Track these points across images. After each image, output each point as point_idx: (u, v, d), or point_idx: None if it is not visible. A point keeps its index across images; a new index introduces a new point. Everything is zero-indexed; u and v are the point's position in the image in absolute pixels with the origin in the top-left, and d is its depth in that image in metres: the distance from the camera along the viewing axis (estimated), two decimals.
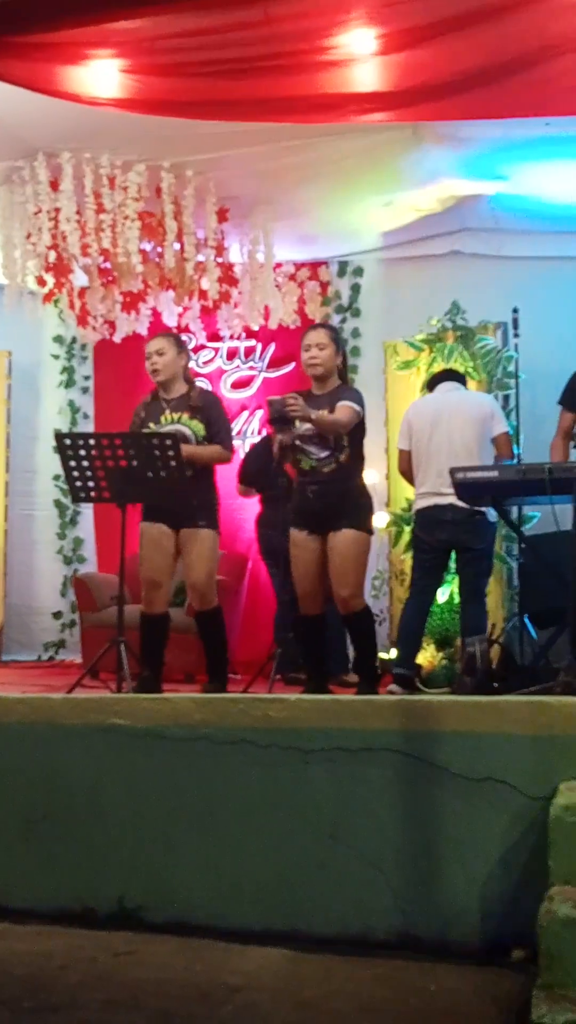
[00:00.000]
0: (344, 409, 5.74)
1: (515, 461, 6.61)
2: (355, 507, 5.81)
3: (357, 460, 5.87)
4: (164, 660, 6.13)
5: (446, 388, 6.77)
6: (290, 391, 6.15)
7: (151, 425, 5.98)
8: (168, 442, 5.66)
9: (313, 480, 5.79)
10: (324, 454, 5.76)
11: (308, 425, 5.72)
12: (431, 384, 6.97)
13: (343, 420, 5.72)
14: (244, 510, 8.82)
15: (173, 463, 5.65)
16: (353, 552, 5.76)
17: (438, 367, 7.59)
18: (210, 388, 8.51)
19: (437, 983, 3.16)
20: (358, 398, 5.87)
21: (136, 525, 6.06)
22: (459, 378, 6.99)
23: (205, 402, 6.12)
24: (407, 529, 7.63)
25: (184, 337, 7.27)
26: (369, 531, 5.91)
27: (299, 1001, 3.02)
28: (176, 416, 6.00)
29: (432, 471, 6.42)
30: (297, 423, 5.73)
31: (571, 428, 6.37)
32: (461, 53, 5.20)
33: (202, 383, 8.28)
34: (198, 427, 5.98)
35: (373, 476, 7.07)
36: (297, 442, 5.80)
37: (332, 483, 5.76)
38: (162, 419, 6.00)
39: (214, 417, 6.10)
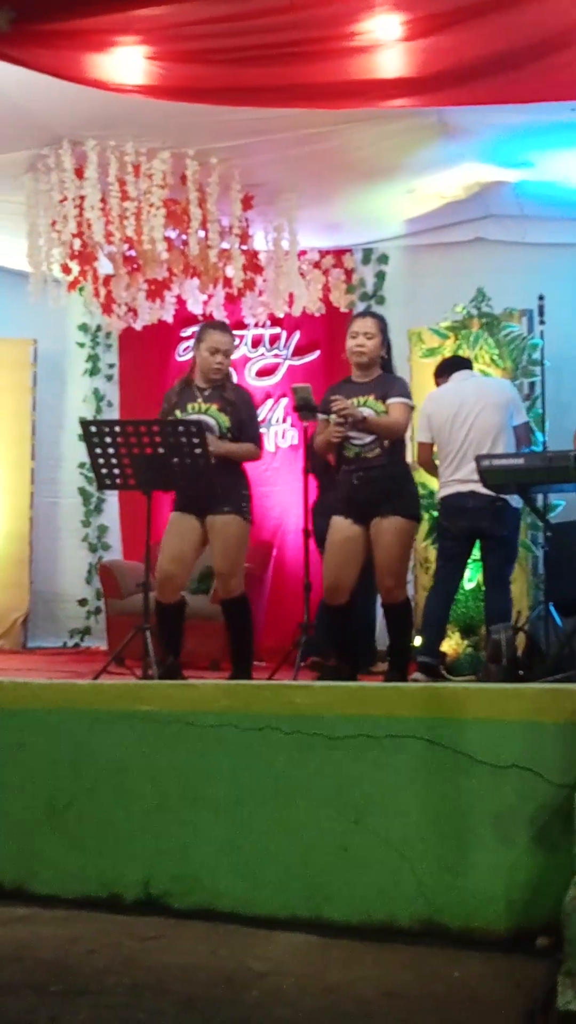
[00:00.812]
0: (398, 408, 5.75)
1: (538, 448, 6.58)
2: (402, 493, 5.80)
3: (401, 445, 5.86)
4: (183, 645, 6.13)
5: (462, 377, 6.71)
6: (314, 379, 6.17)
7: (177, 412, 5.97)
8: (193, 429, 5.67)
9: (358, 467, 5.77)
10: (368, 440, 5.75)
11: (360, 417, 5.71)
12: (442, 371, 6.90)
13: (401, 421, 5.76)
14: (269, 497, 8.84)
15: (198, 450, 5.65)
16: (400, 541, 5.75)
17: (464, 354, 7.55)
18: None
19: (462, 970, 3.16)
20: (406, 390, 5.88)
21: (161, 511, 6.06)
22: (468, 365, 6.94)
23: (238, 399, 6.08)
24: (426, 516, 7.60)
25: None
26: (417, 519, 5.90)
27: (324, 987, 3.03)
28: (206, 406, 6.00)
29: (455, 459, 6.39)
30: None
31: None
32: (486, 38, 5.17)
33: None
34: (224, 419, 5.95)
35: None
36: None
37: (377, 468, 5.74)
38: (190, 407, 5.98)
39: (246, 417, 6.09)
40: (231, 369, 6.26)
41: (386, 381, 5.86)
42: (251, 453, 6.09)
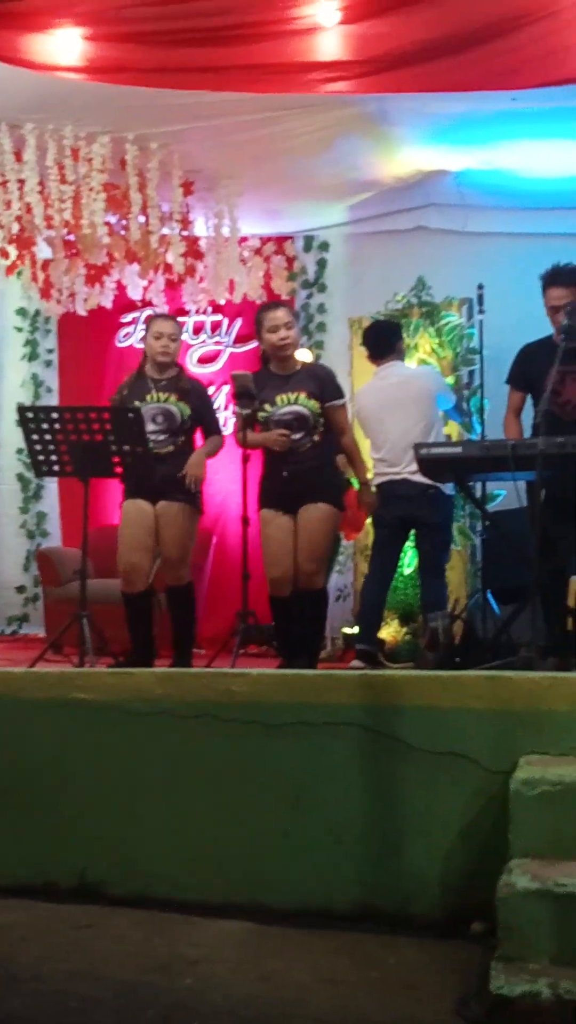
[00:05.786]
0: (340, 413, 5.90)
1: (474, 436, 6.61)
2: (329, 483, 5.87)
3: (330, 437, 5.88)
4: (154, 635, 6.12)
5: (384, 374, 6.69)
6: (255, 367, 6.17)
7: (135, 403, 5.95)
8: (131, 416, 5.65)
9: (289, 461, 5.78)
10: (299, 435, 5.76)
11: (286, 408, 5.72)
12: (372, 349, 6.79)
13: (347, 425, 6.01)
14: (210, 485, 8.78)
15: (136, 437, 5.64)
16: (324, 527, 5.78)
17: (406, 343, 7.47)
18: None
19: (397, 955, 3.18)
20: (338, 388, 5.94)
21: (99, 499, 6.01)
22: (395, 340, 6.85)
23: (194, 389, 6.18)
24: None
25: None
26: (341, 508, 5.92)
27: (259, 973, 3.04)
28: (164, 396, 6.01)
29: (384, 446, 6.45)
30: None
31: (521, 406, 6.31)
32: (425, 23, 5.20)
33: None
34: (184, 408, 6.03)
35: None
36: (276, 429, 5.80)
37: (306, 461, 5.77)
38: (148, 398, 5.99)
39: (204, 406, 6.21)
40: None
41: (314, 376, 5.88)
42: (219, 444, 6.26)
